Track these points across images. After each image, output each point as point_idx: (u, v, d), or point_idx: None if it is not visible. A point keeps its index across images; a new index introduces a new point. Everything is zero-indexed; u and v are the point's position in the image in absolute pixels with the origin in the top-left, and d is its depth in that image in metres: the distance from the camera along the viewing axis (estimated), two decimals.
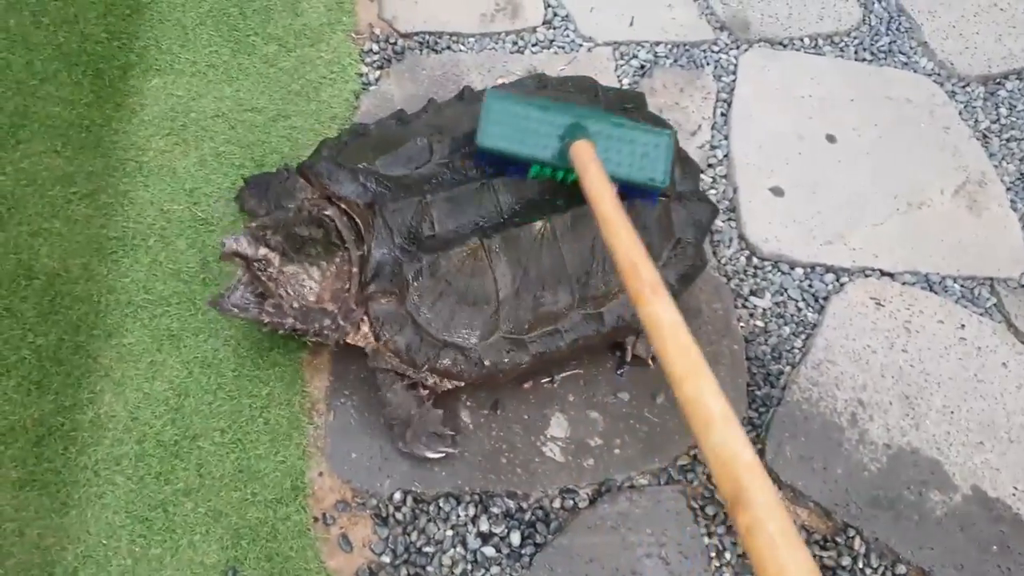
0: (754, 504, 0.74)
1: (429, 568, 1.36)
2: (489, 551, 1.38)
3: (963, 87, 2.12)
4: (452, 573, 1.36)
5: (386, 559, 1.37)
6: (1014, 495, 1.48)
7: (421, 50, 2.03)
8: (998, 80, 2.15)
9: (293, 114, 1.85)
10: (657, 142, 1.39)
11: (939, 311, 1.70)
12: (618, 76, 2.04)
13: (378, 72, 1.97)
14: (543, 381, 1.55)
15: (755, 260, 1.76)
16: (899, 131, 2.00)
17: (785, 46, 2.16)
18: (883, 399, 1.57)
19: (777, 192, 1.86)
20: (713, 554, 1.41)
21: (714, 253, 1.76)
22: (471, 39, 2.07)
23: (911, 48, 2.20)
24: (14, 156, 1.69)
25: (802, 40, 2.18)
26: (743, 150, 1.92)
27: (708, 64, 2.10)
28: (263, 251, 1.32)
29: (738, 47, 2.14)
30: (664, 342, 0.92)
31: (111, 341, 1.51)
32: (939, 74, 2.15)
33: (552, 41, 2.10)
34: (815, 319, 1.69)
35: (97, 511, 1.35)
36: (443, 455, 1.43)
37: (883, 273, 1.76)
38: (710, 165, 1.90)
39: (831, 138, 1.97)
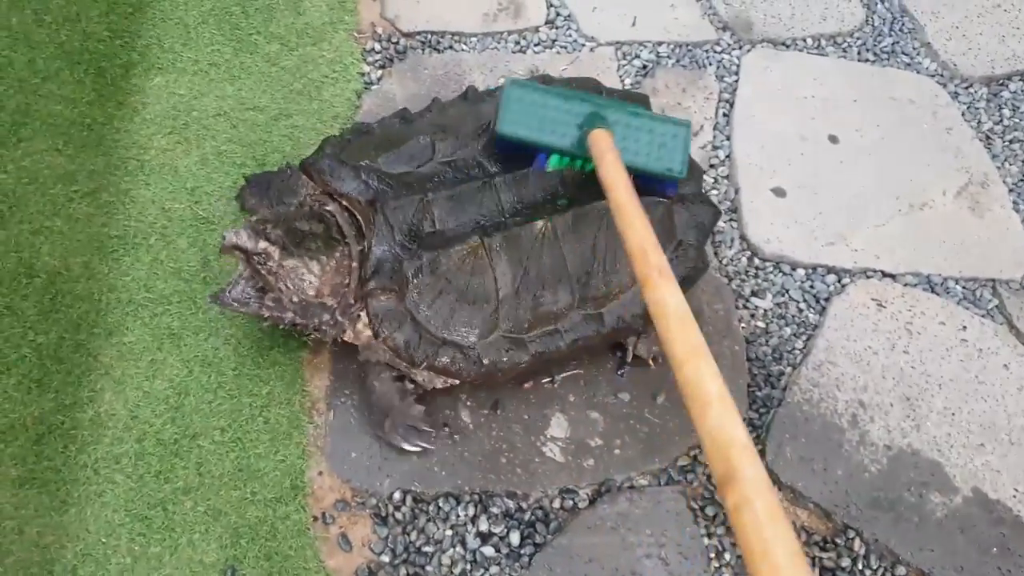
0: (743, 481, 0.75)
1: (428, 568, 1.36)
2: (488, 551, 1.38)
3: (966, 88, 2.12)
4: (451, 573, 1.36)
5: (385, 558, 1.37)
6: (1015, 497, 1.48)
7: (423, 49, 2.03)
8: (1001, 81, 2.14)
9: (295, 113, 1.85)
10: (675, 132, 1.40)
11: (941, 312, 1.70)
12: (620, 76, 2.04)
13: (380, 71, 1.97)
14: (543, 381, 1.55)
15: (756, 261, 1.76)
16: (902, 132, 2.00)
17: (788, 46, 2.16)
18: (884, 400, 1.57)
19: (779, 193, 1.86)
20: (713, 555, 1.40)
21: (715, 254, 1.76)
22: (473, 39, 2.07)
23: (914, 49, 2.19)
24: (16, 154, 1.69)
25: (805, 40, 2.18)
26: (745, 151, 1.92)
27: (710, 64, 2.09)
28: (263, 245, 1.32)
29: (740, 47, 2.14)
30: (668, 324, 0.93)
31: (112, 339, 1.51)
32: (942, 75, 2.14)
33: (554, 41, 2.10)
34: (816, 320, 1.68)
35: (96, 509, 1.35)
36: (419, 449, 1.43)
37: (885, 274, 1.75)
38: (712, 166, 1.90)
39: (833, 139, 1.97)
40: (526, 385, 1.54)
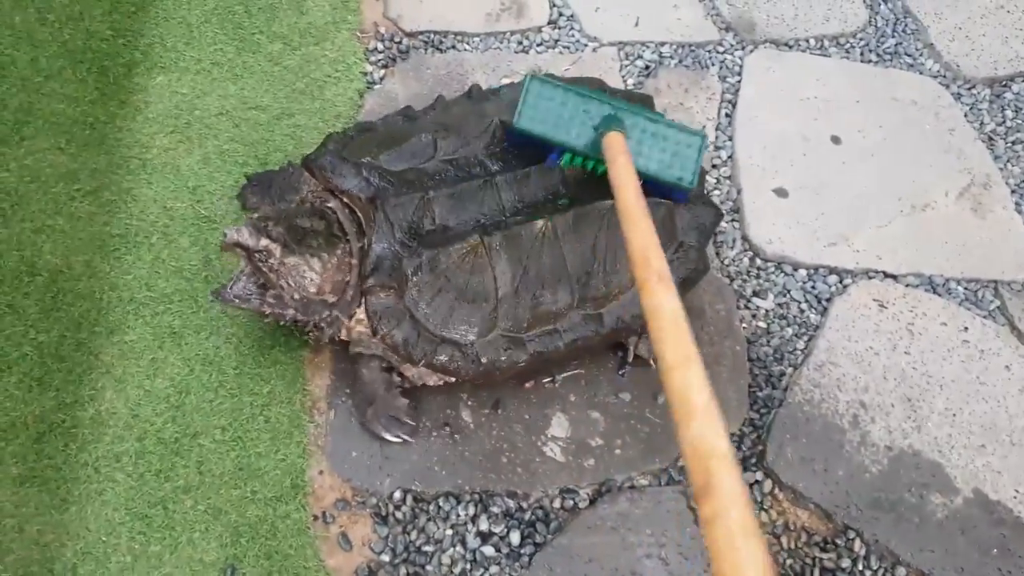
0: (719, 492, 0.74)
1: (428, 567, 1.36)
2: (488, 550, 1.38)
3: (969, 89, 2.11)
4: (451, 572, 1.36)
5: (385, 558, 1.37)
6: (1015, 498, 1.47)
7: (426, 49, 2.03)
8: (1004, 82, 2.14)
9: (297, 112, 1.85)
10: (690, 142, 1.41)
11: (942, 313, 1.69)
12: (623, 76, 2.04)
13: (383, 71, 1.98)
14: (544, 381, 1.55)
15: (758, 261, 1.76)
16: (904, 133, 1.99)
17: (791, 47, 2.16)
18: (885, 401, 1.57)
19: (781, 193, 1.85)
20: None
21: (717, 254, 1.75)
22: (476, 38, 2.07)
23: (917, 50, 2.19)
24: (18, 152, 1.70)
25: (808, 41, 2.18)
26: (747, 151, 1.92)
27: (713, 65, 2.09)
28: (264, 242, 1.33)
29: (743, 48, 2.14)
30: (661, 329, 0.93)
31: (113, 338, 1.51)
32: (945, 76, 2.14)
33: (557, 41, 2.10)
34: (818, 321, 1.68)
35: (97, 508, 1.36)
36: (399, 440, 1.44)
37: (886, 275, 1.75)
38: (714, 166, 1.90)
39: (836, 139, 1.96)
40: (527, 385, 1.54)
